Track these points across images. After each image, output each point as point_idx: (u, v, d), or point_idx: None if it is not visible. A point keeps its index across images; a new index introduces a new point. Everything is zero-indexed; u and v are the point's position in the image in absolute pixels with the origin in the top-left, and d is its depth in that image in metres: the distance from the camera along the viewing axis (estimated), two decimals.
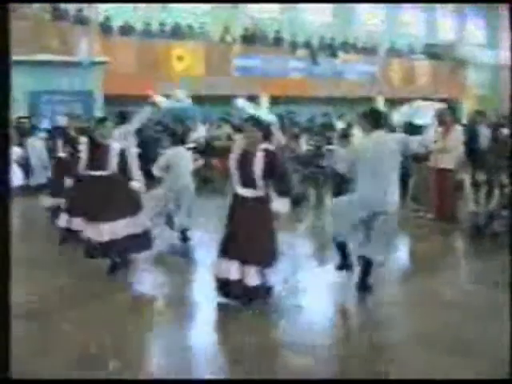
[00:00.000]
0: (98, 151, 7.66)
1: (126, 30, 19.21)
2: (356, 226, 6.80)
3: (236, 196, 6.37)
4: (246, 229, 6.18)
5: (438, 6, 25.47)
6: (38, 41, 15.83)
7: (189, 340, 5.62)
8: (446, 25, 30.63)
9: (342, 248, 7.09)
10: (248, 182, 6.19)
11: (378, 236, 6.72)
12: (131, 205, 7.54)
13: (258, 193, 6.21)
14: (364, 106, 22.93)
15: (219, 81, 19.91)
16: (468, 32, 31.14)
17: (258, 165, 6.08)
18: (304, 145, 15.72)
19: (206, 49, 20.17)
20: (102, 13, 18.65)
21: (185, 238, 9.30)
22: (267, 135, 6.39)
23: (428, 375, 4.82)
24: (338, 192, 12.64)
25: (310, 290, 7.26)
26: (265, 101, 21.82)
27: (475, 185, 10.16)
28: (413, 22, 29.48)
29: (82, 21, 17.20)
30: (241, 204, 6.28)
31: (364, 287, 6.90)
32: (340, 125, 18.95)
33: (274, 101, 21.60)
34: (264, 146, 6.18)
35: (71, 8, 17.41)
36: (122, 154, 7.72)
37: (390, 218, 6.69)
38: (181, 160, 9.20)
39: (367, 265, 6.88)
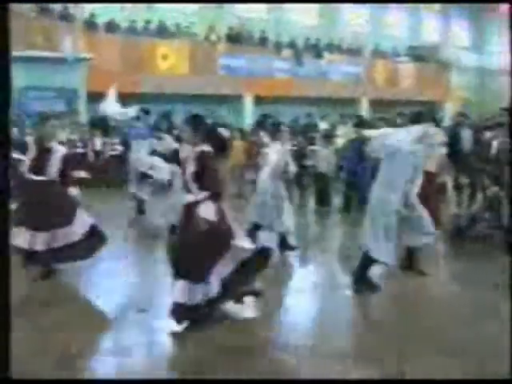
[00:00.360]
0: (41, 154, 7.09)
1: (111, 28, 19.13)
2: None
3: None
4: (181, 238, 5.81)
5: (422, 8, 25.53)
6: (23, 37, 15.74)
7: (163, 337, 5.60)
8: (431, 27, 30.81)
9: None
10: (185, 186, 5.81)
11: None
12: (66, 214, 7.11)
13: (191, 198, 5.72)
14: (348, 106, 23.20)
15: (204, 80, 19.88)
16: (452, 34, 31.32)
17: (190, 168, 5.67)
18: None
19: (191, 48, 20.13)
20: (87, 10, 18.55)
21: None
22: (208, 136, 5.82)
23: (414, 375, 4.85)
24: (321, 191, 12.76)
25: (296, 290, 7.31)
26: (249, 100, 21.86)
27: (457, 187, 10.25)
28: (397, 24, 29.62)
29: (67, 17, 17.13)
30: (182, 211, 5.88)
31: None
32: (323, 125, 19.02)
33: (259, 101, 21.63)
34: (199, 148, 5.69)
35: (57, 5, 17.32)
36: (66, 159, 7.21)
37: None
38: None
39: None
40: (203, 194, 5.59)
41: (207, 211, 5.53)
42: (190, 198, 5.68)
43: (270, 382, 4.85)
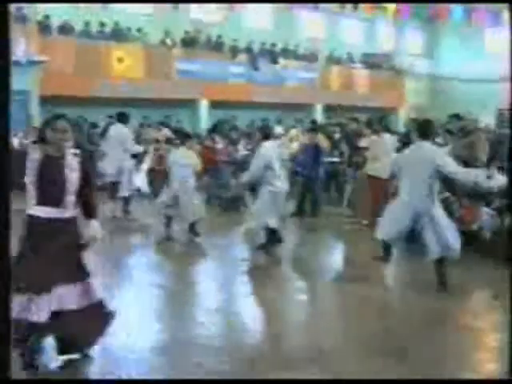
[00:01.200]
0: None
1: (66, 30, 18.92)
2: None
3: (32, 218, 4.80)
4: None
5: (377, 16, 25.80)
6: None
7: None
8: (385, 34, 31.20)
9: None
10: (51, 198, 4.75)
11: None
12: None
13: (66, 213, 4.80)
14: (303, 111, 23.36)
15: (159, 84, 19.82)
16: (405, 42, 31.78)
17: (71, 175, 4.76)
18: (242, 149, 15.80)
19: (146, 51, 20.03)
20: (40, 11, 18.30)
21: None
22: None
23: (360, 376, 4.93)
24: None
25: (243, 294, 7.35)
26: (205, 105, 21.86)
27: None
28: (352, 31, 29.93)
29: (20, 19, 16.89)
30: (40, 230, 4.79)
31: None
32: (279, 129, 19.14)
33: (214, 105, 21.64)
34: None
35: (11, 6, 17.07)
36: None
37: None
38: None
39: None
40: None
41: (94, 231, 5.02)
42: (55, 212, 4.81)
43: (270, 381, 4.88)
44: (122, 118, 12.24)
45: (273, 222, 8.98)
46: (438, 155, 7.33)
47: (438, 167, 7.19)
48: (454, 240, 7.36)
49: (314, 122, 15.49)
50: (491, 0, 19.66)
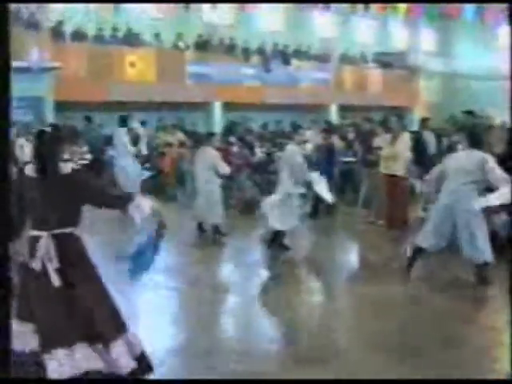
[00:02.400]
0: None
1: (78, 36, 19.00)
2: None
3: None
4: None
5: (389, 15, 25.69)
6: None
7: None
8: (398, 33, 31.09)
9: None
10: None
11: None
12: None
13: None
14: (317, 113, 23.31)
15: (172, 87, 19.85)
16: (419, 40, 31.63)
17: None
18: (259, 152, 15.78)
19: (158, 55, 20.05)
20: (54, 18, 18.39)
21: None
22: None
23: (370, 375, 4.91)
24: None
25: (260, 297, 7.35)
26: (218, 107, 21.88)
27: None
28: (365, 31, 29.84)
29: (33, 25, 16.98)
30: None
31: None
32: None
33: (228, 108, 21.65)
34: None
35: (24, 12, 17.14)
36: None
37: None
38: None
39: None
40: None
41: None
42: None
43: (269, 382, 4.89)
44: (121, 122, 12.80)
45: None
46: (490, 160, 7.43)
47: (487, 173, 7.32)
48: (484, 245, 7.39)
49: (327, 122, 15.49)
50: (491, 0, 19.56)
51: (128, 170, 12.92)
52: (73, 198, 4.28)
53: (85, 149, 16.10)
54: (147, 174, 14.79)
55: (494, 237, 9.18)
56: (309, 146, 14.94)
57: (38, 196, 4.23)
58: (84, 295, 4.18)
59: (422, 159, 12.14)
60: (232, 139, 15.81)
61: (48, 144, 4.37)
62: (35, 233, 4.22)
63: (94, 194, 4.38)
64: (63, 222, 4.25)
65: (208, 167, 10.29)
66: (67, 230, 4.26)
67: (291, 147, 9.39)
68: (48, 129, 4.54)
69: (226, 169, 10.35)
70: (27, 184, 4.27)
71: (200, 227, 10.63)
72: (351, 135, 15.33)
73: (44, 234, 4.18)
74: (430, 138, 12.70)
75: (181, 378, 4.91)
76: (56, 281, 4.10)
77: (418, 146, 12.41)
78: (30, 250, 4.19)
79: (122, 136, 12.93)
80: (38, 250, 4.15)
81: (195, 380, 4.87)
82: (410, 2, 22.25)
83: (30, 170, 4.30)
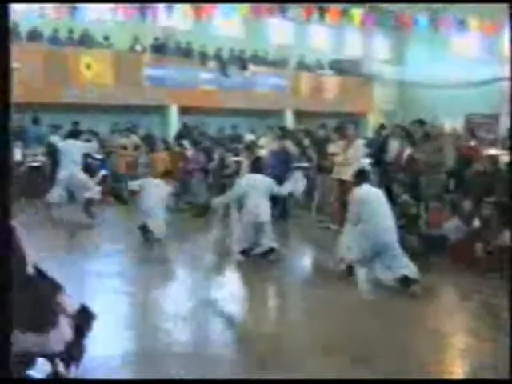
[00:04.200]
0: None
1: (34, 36, 18.77)
2: None
3: None
4: None
5: (344, 23, 25.94)
6: None
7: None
8: (353, 41, 31.42)
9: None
10: None
11: None
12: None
13: None
14: (273, 118, 23.43)
15: (128, 90, 19.73)
16: (373, 49, 32.01)
17: None
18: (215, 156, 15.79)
19: (115, 57, 19.91)
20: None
21: None
22: None
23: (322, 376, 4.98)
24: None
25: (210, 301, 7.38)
26: (174, 111, 21.82)
27: None
28: (321, 38, 30.09)
29: None
30: None
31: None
32: (250, 137, 19.19)
33: (184, 111, 21.61)
34: None
35: None
36: None
37: None
38: None
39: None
40: None
41: None
42: None
43: (269, 381, 4.91)
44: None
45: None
46: None
47: None
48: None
49: (282, 128, 15.57)
50: (490, 0, 19.86)
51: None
52: None
53: (38, 151, 15.95)
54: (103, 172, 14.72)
55: (443, 241, 9.43)
56: (262, 152, 15.05)
57: None
58: None
59: (381, 165, 12.39)
60: (184, 143, 15.79)
61: None
62: None
63: None
64: None
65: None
66: None
67: None
68: None
69: None
70: None
71: (143, 228, 10.50)
72: (306, 141, 15.45)
73: None
74: (393, 145, 12.86)
75: (181, 378, 4.93)
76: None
77: (381, 152, 12.65)
78: None
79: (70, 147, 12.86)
80: None
81: (195, 380, 4.89)
82: (401, 2, 22.48)
83: None
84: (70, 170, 12.51)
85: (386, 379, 4.98)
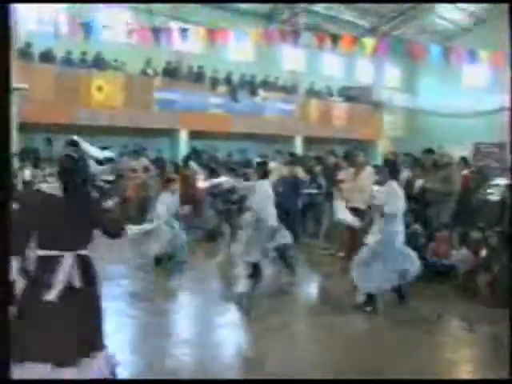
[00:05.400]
0: None
1: (47, 58, 18.91)
2: None
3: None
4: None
5: (356, 52, 26.10)
6: None
7: None
8: (364, 68, 31.56)
9: None
10: None
11: None
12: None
13: None
14: (282, 143, 23.49)
15: (138, 113, 19.84)
16: (384, 76, 32.15)
17: None
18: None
19: (126, 80, 20.06)
20: (22, 38, 18.26)
21: None
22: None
23: None
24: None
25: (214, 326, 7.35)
26: (184, 135, 21.90)
27: None
28: (332, 65, 30.27)
29: None
30: None
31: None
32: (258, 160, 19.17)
33: (194, 135, 21.69)
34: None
35: None
36: None
37: None
38: None
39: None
40: None
41: None
42: None
43: (269, 382, 4.87)
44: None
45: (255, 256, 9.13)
46: None
47: None
48: None
49: (292, 154, 15.59)
50: (491, 0, 19.83)
51: None
52: (90, 220, 4.51)
53: (47, 171, 15.98)
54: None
55: (451, 270, 9.38)
56: (273, 177, 15.03)
57: (62, 216, 4.35)
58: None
59: None
60: (192, 163, 15.79)
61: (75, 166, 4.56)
62: (53, 253, 4.31)
63: (104, 219, 4.60)
64: (84, 243, 4.50)
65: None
66: (86, 251, 4.52)
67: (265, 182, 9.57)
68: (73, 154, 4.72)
69: None
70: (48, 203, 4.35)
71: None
72: (317, 168, 15.37)
73: (67, 254, 4.33)
74: (403, 174, 12.81)
75: (181, 378, 4.91)
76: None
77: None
78: (44, 270, 4.27)
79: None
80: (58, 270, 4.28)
81: (195, 380, 4.87)
82: (400, 2, 22.51)
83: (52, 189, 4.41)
84: None
85: (386, 379, 4.94)
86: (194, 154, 18.64)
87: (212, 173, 15.64)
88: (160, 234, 10.38)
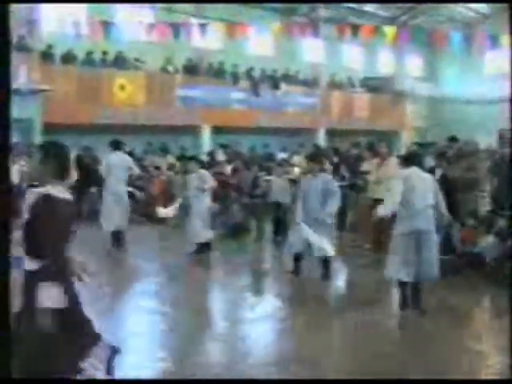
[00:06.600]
0: None
1: (68, 59, 19.05)
2: None
3: None
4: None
5: (377, 41, 25.91)
6: None
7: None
8: (385, 59, 31.38)
9: None
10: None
11: None
12: None
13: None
14: (304, 136, 23.43)
15: (161, 111, 19.93)
16: (405, 65, 31.93)
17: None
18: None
19: (148, 78, 20.17)
20: (44, 41, 18.40)
21: None
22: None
23: None
24: (278, 221, 12.81)
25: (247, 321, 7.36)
26: (207, 131, 21.94)
27: None
28: (352, 56, 30.10)
29: (22, 48, 17.00)
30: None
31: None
32: (282, 155, 19.21)
33: (216, 131, 21.73)
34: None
35: (12, 35, 17.12)
36: None
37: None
38: None
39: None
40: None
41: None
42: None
43: (270, 381, 4.88)
44: (119, 145, 12.06)
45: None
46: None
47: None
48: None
49: (316, 146, 15.56)
50: (491, 0, 19.64)
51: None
52: None
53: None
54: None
55: (479, 259, 9.28)
56: (296, 170, 15.03)
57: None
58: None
59: None
60: (219, 152, 15.84)
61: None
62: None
63: None
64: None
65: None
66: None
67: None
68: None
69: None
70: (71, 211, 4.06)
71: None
72: (335, 159, 15.34)
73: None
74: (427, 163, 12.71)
75: (181, 378, 4.92)
76: None
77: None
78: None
79: (126, 159, 12.15)
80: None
81: (195, 380, 4.88)
82: (408, 2, 22.29)
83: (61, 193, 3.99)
84: (118, 188, 11.68)
85: (386, 379, 4.91)
86: (222, 148, 18.64)
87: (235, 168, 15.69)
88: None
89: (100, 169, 12.22)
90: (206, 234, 10.80)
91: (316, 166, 9.39)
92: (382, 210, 7.60)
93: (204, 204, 10.80)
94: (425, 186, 7.53)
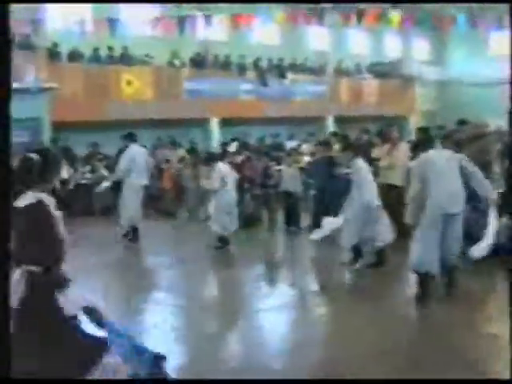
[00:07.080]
0: None
1: (75, 56, 19.07)
2: None
3: None
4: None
5: (382, 26, 25.79)
6: None
7: None
8: (392, 43, 31.22)
9: None
10: None
11: None
12: None
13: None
14: (314, 125, 23.35)
15: (169, 104, 19.92)
16: (412, 50, 31.78)
17: None
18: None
19: (154, 73, 20.18)
20: (49, 39, 18.42)
21: None
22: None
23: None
24: (289, 211, 12.79)
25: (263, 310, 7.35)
26: (215, 123, 21.92)
27: None
28: (359, 42, 29.95)
29: (28, 47, 17.02)
30: None
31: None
32: (291, 144, 19.15)
33: (225, 123, 21.70)
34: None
35: (17, 33, 17.13)
36: None
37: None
38: None
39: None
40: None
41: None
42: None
43: (270, 381, 4.89)
44: (135, 138, 12.15)
45: None
46: None
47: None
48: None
49: (331, 133, 15.51)
50: (491, 0, 19.55)
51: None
52: None
53: (86, 168, 16.18)
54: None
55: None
56: (305, 159, 14.98)
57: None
58: None
59: None
60: (233, 144, 15.86)
61: None
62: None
63: None
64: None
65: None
66: None
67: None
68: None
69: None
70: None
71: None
72: (337, 146, 15.24)
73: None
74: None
75: (181, 378, 4.92)
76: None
77: None
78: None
79: (144, 152, 12.33)
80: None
81: (195, 380, 4.88)
82: (407, 3, 22.17)
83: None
84: (139, 181, 11.76)
85: (386, 379, 4.91)
86: (234, 141, 18.63)
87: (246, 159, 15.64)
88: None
89: (121, 161, 11.98)
90: (232, 227, 10.80)
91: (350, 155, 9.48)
92: None
93: (229, 196, 10.81)
94: (449, 165, 7.43)
